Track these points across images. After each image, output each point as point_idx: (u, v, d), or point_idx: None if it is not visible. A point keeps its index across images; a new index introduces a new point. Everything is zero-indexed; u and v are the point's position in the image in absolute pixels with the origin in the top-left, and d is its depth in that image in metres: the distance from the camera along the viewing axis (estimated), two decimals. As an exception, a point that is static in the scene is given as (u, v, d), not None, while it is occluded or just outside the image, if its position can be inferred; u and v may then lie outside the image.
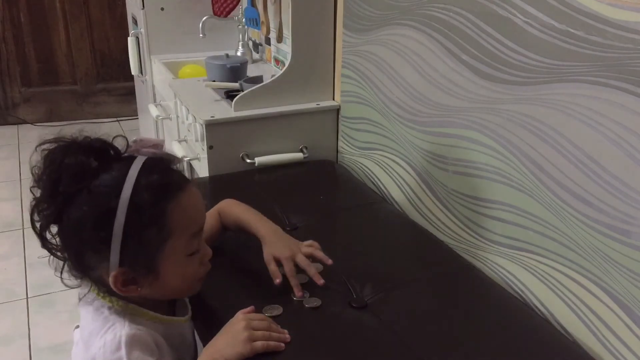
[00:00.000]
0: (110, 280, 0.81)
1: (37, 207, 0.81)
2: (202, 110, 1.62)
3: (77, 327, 0.94)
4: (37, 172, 0.81)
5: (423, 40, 1.31)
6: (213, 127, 1.59)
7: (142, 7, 2.22)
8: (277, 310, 1.01)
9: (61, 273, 0.85)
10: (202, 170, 1.65)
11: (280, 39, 1.93)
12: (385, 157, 1.54)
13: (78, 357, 0.89)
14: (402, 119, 1.43)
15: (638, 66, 0.85)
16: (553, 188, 1.02)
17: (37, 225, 0.82)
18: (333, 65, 1.73)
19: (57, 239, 0.83)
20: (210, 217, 1.15)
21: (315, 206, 1.43)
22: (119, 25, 3.38)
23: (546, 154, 1.02)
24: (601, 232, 0.93)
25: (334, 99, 1.76)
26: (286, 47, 1.87)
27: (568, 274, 1.03)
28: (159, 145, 0.87)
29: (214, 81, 1.84)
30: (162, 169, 0.84)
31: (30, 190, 0.82)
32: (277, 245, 1.06)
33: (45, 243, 0.83)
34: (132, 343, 0.82)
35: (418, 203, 1.42)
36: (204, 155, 1.62)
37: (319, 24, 1.67)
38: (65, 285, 0.85)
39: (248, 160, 1.63)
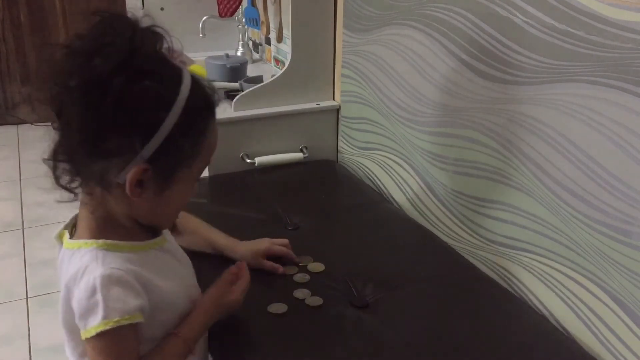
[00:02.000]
0: (131, 173, 0.73)
1: (87, 77, 0.71)
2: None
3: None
4: (94, 39, 0.72)
5: (423, 40, 1.31)
6: (213, 127, 1.58)
7: (142, 7, 2.22)
8: (282, 308, 1.01)
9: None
10: (202, 170, 1.65)
11: (280, 39, 1.93)
12: (385, 157, 1.54)
13: (69, 346, 0.84)
14: (402, 119, 1.43)
15: (638, 66, 0.85)
16: (553, 188, 1.02)
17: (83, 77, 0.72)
18: (333, 65, 1.73)
19: (74, 118, 0.73)
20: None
21: (316, 206, 1.43)
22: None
23: (546, 154, 1.02)
24: (601, 232, 0.93)
25: (334, 99, 1.76)
26: (286, 47, 1.87)
27: (568, 274, 1.03)
28: (187, 62, 0.82)
29: (214, 81, 1.84)
30: (205, 86, 0.81)
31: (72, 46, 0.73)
32: (249, 245, 1.13)
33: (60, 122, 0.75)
34: (109, 283, 0.75)
35: (418, 203, 1.42)
36: (204, 155, 1.61)
37: (319, 24, 1.67)
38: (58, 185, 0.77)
39: (248, 160, 1.63)
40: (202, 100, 0.79)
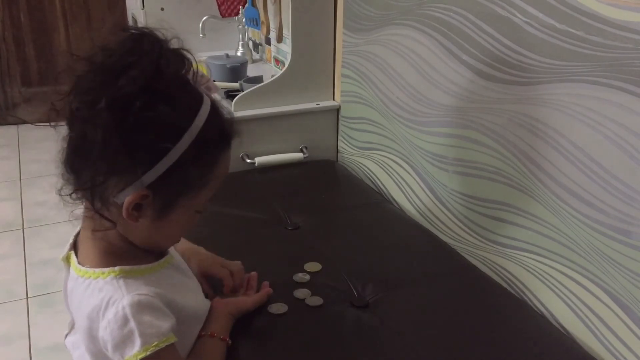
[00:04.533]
0: (131, 196, 0.73)
1: (109, 95, 0.70)
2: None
3: (67, 334, 0.91)
4: (121, 57, 0.71)
5: (423, 40, 1.31)
6: (213, 127, 1.59)
7: (142, 7, 2.22)
8: (283, 308, 1.01)
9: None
10: (202, 170, 1.66)
11: (280, 39, 1.93)
12: (385, 157, 1.54)
13: (85, 357, 0.84)
14: (402, 119, 1.43)
15: (638, 66, 0.85)
16: (553, 188, 1.02)
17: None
18: (333, 65, 1.73)
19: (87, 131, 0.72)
20: None
21: (316, 206, 1.43)
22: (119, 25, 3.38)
23: (546, 154, 1.02)
24: (601, 232, 0.93)
25: (334, 99, 1.76)
26: (286, 47, 1.87)
27: (568, 274, 1.03)
28: (212, 89, 0.80)
29: (214, 81, 1.84)
30: (224, 116, 0.79)
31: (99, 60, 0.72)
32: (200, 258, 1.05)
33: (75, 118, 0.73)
34: (139, 310, 0.74)
35: (418, 203, 1.42)
36: (204, 155, 1.61)
37: (319, 24, 1.67)
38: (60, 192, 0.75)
39: (248, 160, 1.63)
40: (218, 131, 0.77)
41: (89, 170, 0.73)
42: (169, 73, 0.72)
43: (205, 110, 0.75)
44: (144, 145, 0.72)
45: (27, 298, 1.98)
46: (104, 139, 0.70)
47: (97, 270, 0.79)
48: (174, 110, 0.72)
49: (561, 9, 0.96)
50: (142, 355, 0.74)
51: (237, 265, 1.06)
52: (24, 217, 2.45)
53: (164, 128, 0.72)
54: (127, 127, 0.70)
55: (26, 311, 1.91)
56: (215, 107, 0.78)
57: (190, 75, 0.76)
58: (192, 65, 0.76)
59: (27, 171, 2.83)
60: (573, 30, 0.95)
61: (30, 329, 1.83)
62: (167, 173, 0.73)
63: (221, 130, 0.78)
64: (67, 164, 0.75)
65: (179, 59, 0.74)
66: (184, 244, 1.07)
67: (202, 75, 0.78)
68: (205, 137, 0.74)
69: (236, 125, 0.82)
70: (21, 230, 2.36)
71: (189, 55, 0.76)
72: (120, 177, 0.73)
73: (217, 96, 0.81)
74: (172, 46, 0.74)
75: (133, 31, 0.74)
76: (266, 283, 1.05)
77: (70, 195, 0.76)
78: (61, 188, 0.76)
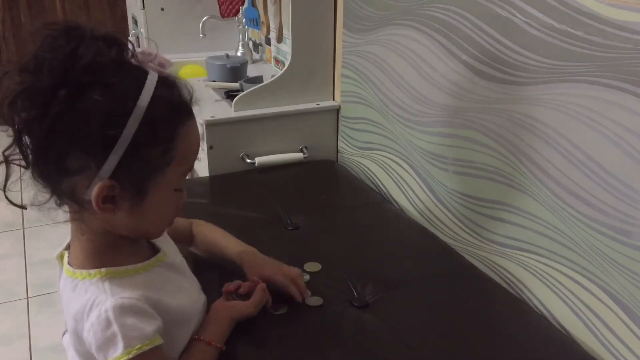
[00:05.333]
0: (95, 190, 0.71)
1: (28, 93, 0.70)
2: (202, 110, 1.62)
3: (65, 333, 0.90)
4: (35, 56, 0.70)
5: (423, 40, 1.31)
6: (213, 127, 1.59)
7: (142, 7, 2.22)
8: (283, 308, 1.01)
9: (5, 184, 0.77)
10: (202, 170, 1.66)
11: (280, 39, 1.93)
12: (385, 157, 1.54)
13: (75, 358, 0.84)
14: (402, 119, 1.43)
15: (638, 66, 0.85)
16: (553, 188, 1.02)
17: (19, 116, 0.71)
18: (333, 65, 1.73)
19: (29, 138, 0.72)
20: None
21: (316, 206, 1.43)
22: (119, 26, 3.38)
23: (546, 154, 1.02)
24: (601, 232, 0.93)
25: (334, 99, 1.76)
26: (286, 47, 1.87)
27: (568, 274, 1.03)
28: (166, 64, 0.78)
29: (214, 81, 1.84)
30: (176, 89, 0.77)
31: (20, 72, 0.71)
32: (255, 262, 1.05)
33: (20, 141, 0.72)
34: (122, 313, 0.74)
35: (418, 203, 1.42)
36: (204, 155, 1.62)
37: (319, 24, 1.67)
38: (13, 204, 0.76)
39: (248, 160, 1.63)
40: (167, 106, 0.75)
41: (49, 177, 0.73)
42: (89, 61, 0.70)
43: (149, 89, 0.72)
44: (89, 138, 0.70)
45: (27, 298, 1.98)
46: (44, 143, 0.70)
47: (84, 271, 0.79)
48: (109, 96, 0.70)
49: (561, 9, 0.96)
50: (125, 358, 0.74)
51: (296, 272, 1.05)
52: (24, 217, 2.45)
53: (103, 116, 0.69)
54: (60, 121, 0.69)
55: (26, 311, 1.92)
56: (163, 82, 0.75)
57: (129, 56, 0.74)
58: (126, 46, 0.74)
59: (28, 171, 2.82)
60: (573, 31, 0.95)
61: (31, 329, 1.83)
62: (125, 159, 0.71)
63: (171, 104, 0.75)
64: (33, 173, 0.75)
65: (104, 44, 0.72)
66: (239, 246, 1.07)
67: (149, 53, 0.76)
68: (154, 115, 0.72)
69: (194, 94, 0.80)
70: (21, 230, 2.37)
71: (121, 37, 0.74)
72: (81, 176, 0.72)
73: (168, 70, 0.79)
74: (100, 32, 0.72)
75: (54, 28, 0.72)
76: (257, 279, 1.02)
77: (47, 201, 0.76)
78: (34, 197, 0.76)
